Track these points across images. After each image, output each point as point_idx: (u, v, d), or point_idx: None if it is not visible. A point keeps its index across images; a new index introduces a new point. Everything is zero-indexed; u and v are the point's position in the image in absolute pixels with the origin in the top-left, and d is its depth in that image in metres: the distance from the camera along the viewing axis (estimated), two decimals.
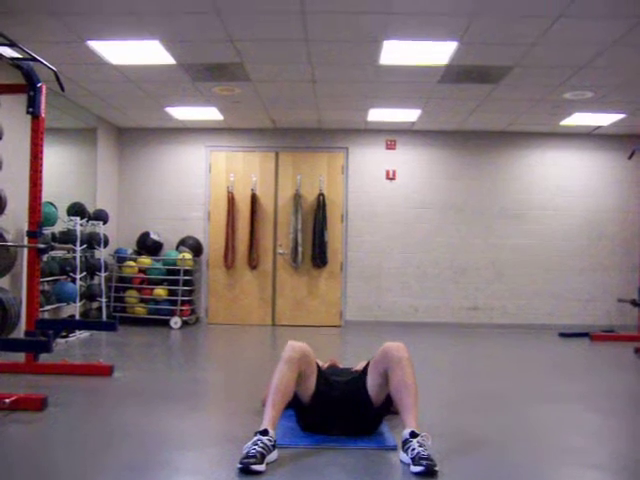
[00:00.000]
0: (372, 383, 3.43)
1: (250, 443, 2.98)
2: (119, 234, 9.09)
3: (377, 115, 8.22)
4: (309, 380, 3.41)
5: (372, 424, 3.54)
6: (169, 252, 8.86)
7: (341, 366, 4.38)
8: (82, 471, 2.94)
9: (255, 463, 2.88)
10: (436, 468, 2.89)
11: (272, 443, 3.01)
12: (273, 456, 3.01)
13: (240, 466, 2.88)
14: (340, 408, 3.44)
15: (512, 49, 5.59)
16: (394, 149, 9.16)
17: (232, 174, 9.16)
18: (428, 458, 2.91)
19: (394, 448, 3.26)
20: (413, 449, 2.97)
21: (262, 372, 5.55)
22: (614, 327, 8.52)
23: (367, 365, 3.61)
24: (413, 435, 3.04)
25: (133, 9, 4.82)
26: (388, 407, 3.51)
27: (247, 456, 2.91)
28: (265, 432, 3.03)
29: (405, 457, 3.02)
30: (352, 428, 3.46)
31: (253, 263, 9.10)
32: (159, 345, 7.30)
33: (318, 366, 3.57)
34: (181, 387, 4.89)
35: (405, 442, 3.05)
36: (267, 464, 2.94)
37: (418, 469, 2.89)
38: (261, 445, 2.95)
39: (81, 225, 7.31)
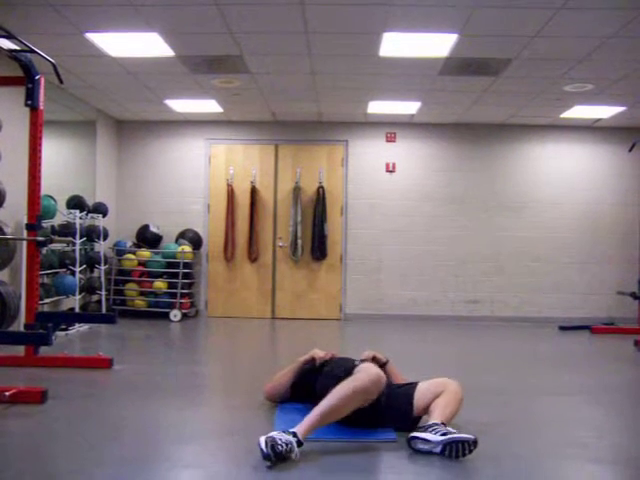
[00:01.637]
0: (420, 398, 3.44)
1: (284, 440, 2.88)
2: (118, 227, 9.08)
3: (377, 107, 8.20)
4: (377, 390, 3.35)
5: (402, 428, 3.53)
6: (169, 245, 8.85)
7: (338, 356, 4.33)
8: (82, 464, 2.94)
9: (273, 454, 2.82)
10: (470, 445, 3.00)
11: (293, 458, 2.90)
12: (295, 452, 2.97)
13: (264, 449, 2.82)
14: (383, 413, 3.46)
15: (512, 41, 5.57)
16: (394, 142, 9.14)
17: (232, 167, 9.14)
18: (459, 436, 3.01)
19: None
20: (447, 429, 3.06)
21: (262, 365, 5.57)
22: (614, 320, 8.52)
23: (384, 365, 3.78)
24: (443, 423, 3.13)
25: (132, 0, 4.79)
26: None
27: (275, 449, 2.83)
28: (300, 444, 2.94)
29: (425, 434, 3.07)
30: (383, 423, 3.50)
31: (253, 256, 9.09)
32: (159, 338, 7.30)
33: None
34: (180, 380, 4.89)
35: (433, 424, 3.11)
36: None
37: (460, 436, 3.00)
38: (288, 448, 2.86)
39: (80, 218, 7.29)
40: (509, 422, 3.83)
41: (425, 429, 3.10)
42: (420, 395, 3.46)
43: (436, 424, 3.11)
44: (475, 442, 3.00)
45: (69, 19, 5.15)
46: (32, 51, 4.82)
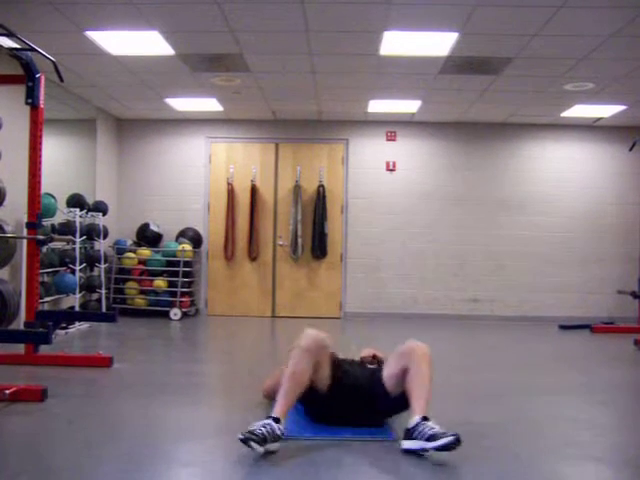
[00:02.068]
0: (389, 374, 3.44)
1: (260, 423, 3.01)
2: (119, 225, 9.07)
3: (377, 106, 8.19)
4: (324, 370, 3.41)
5: (387, 415, 3.55)
6: (169, 243, 8.85)
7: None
8: (81, 462, 2.94)
9: (256, 442, 2.91)
10: (459, 444, 2.93)
11: (280, 433, 3.01)
12: (274, 446, 3.00)
13: (241, 437, 2.92)
14: (357, 397, 3.45)
15: (513, 40, 5.57)
16: (394, 140, 9.13)
17: (232, 165, 9.14)
18: (443, 434, 2.94)
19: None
20: (431, 428, 2.99)
21: (262, 364, 5.56)
22: (614, 319, 8.52)
23: (377, 359, 3.71)
24: (425, 419, 3.06)
25: None
26: (403, 402, 3.47)
27: (252, 432, 2.93)
28: (277, 420, 3.04)
29: (413, 443, 3.02)
30: (366, 418, 3.47)
31: (253, 254, 9.09)
32: (159, 337, 7.30)
33: (334, 355, 3.60)
34: (180, 379, 4.89)
35: (416, 426, 3.05)
36: (267, 452, 2.96)
37: (437, 444, 2.92)
38: (269, 429, 2.97)
39: (80, 216, 7.30)
40: (509, 421, 3.83)
41: (411, 436, 3.06)
42: (387, 376, 3.45)
43: (419, 424, 3.05)
44: (459, 440, 2.93)
45: (69, 17, 5.14)
46: (32, 49, 4.81)
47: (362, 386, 3.48)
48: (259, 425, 2.99)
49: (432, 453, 2.98)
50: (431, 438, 2.95)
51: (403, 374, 3.34)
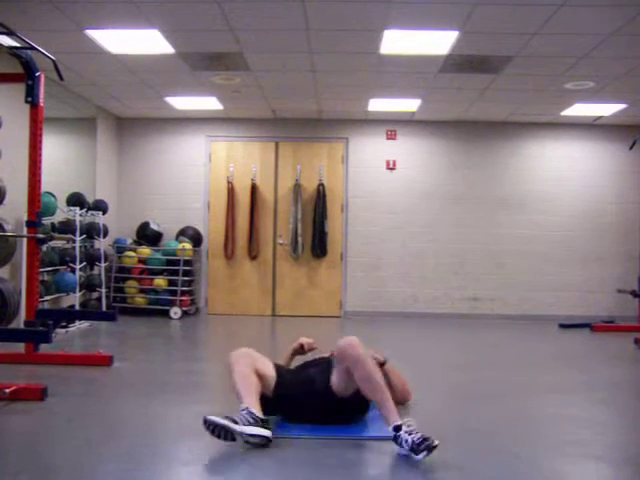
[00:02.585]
0: (337, 378, 3.38)
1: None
2: (119, 224, 9.07)
3: (377, 105, 8.19)
4: (266, 372, 3.46)
5: (348, 415, 3.50)
6: (169, 242, 8.84)
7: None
8: (81, 461, 2.94)
9: (213, 416, 3.03)
10: (435, 443, 2.86)
11: (252, 416, 3.05)
12: (260, 431, 3.03)
13: (203, 417, 3.05)
14: (301, 403, 3.44)
15: (513, 39, 5.56)
16: (394, 139, 9.13)
17: (232, 164, 9.14)
18: (423, 439, 2.87)
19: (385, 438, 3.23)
20: (406, 441, 2.93)
21: None
22: (614, 318, 8.52)
23: (382, 365, 3.70)
24: (397, 428, 2.99)
25: None
26: (360, 401, 3.43)
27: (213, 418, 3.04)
28: (246, 408, 3.10)
29: (403, 451, 2.99)
30: (322, 420, 3.43)
31: (253, 253, 9.09)
32: (159, 335, 7.30)
33: (278, 366, 3.68)
34: (180, 377, 4.89)
35: (395, 438, 3.00)
36: (257, 440, 3.03)
37: (421, 456, 2.87)
38: (240, 415, 3.05)
39: (80, 215, 7.29)
40: (509, 419, 3.83)
41: (397, 443, 3.01)
42: (335, 383, 3.40)
43: (396, 437, 2.99)
44: (434, 447, 2.87)
45: (69, 16, 5.14)
46: (32, 48, 4.81)
47: (304, 393, 3.45)
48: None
49: (437, 453, 2.97)
50: (413, 451, 2.89)
51: (350, 376, 3.27)
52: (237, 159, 9.16)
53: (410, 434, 2.94)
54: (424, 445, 2.86)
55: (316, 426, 3.40)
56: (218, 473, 2.88)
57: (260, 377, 3.39)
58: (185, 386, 4.58)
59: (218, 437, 3.02)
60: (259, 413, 3.10)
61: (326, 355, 3.88)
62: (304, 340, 4.05)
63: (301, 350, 4.05)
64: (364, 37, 5.62)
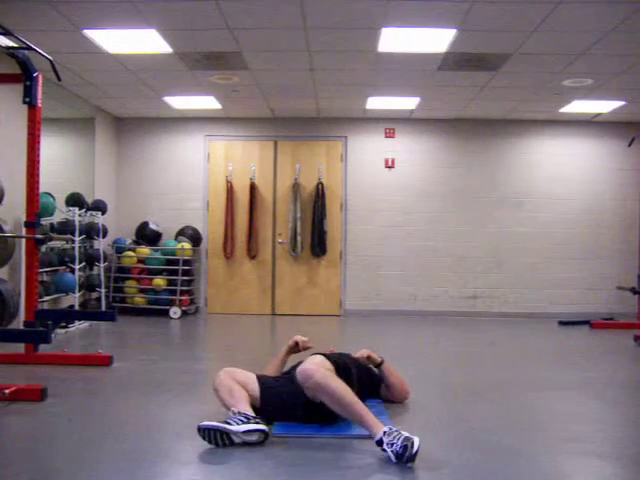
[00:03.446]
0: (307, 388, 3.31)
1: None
2: (118, 224, 9.07)
3: (376, 103, 8.18)
4: (250, 386, 3.44)
5: (330, 413, 3.41)
6: (168, 242, 8.84)
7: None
8: (81, 460, 2.94)
9: (212, 423, 3.06)
10: (415, 449, 2.79)
11: (244, 415, 3.09)
12: (256, 426, 3.05)
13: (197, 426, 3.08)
14: (287, 401, 3.42)
15: (511, 36, 5.56)
16: (393, 137, 9.12)
17: (231, 163, 9.13)
18: (404, 449, 2.81)
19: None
20: (390, 452, 2.87)
21: (261, 362, 5.55)
22: (614, 315, 8.52)
23: (380, 365, 3.87)
24: (379, 443, 2.93)
25: None
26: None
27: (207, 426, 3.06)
28: (236, 412, 3.14)
29: (393, 460, 2.91)
30: (305, 418, 3.41)
31: (252, 253, 9.09)
32: (158, 335, 7.30)
33: (295, 352, 3.89)
34: (180, 377, 4.88)
35: (384, 450, 2.93)
36: (254, 437, 3.06)
37: (409, 465, 2.84)
38: (233, 418, 3.09)
39: (79, 215, 7.29)
40: (509, 417, 3.83)
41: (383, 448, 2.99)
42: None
43: (383, 450, 2.94)
44: (415, 452, 2.82)
45: (67, 16, 5.13)
46: (29, 48, 4.80)
47: (285, 395, 3.43)
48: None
49: (433, 450, 2.98)
50: (398, 460, 2.85)
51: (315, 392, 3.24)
52: (236, 158, 9.16)
53: (392, 445, 2.86)
54: (406, 455, 2.80)
55: (312, 425, 3.39)
56: (218, 472, 2.88)
57: (245, 389, 3.40)
58: (185, 386, 4.58)
59: (216, 444, 3.04)
60: (251, 412, 3.14)
61: (356, 355, 3.89)
62: (299, 338, 4.04)
63: (296, 348, 4.05)
64: (362, 35, 5.61)
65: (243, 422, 3.06)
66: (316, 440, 3.24)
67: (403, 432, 2.90)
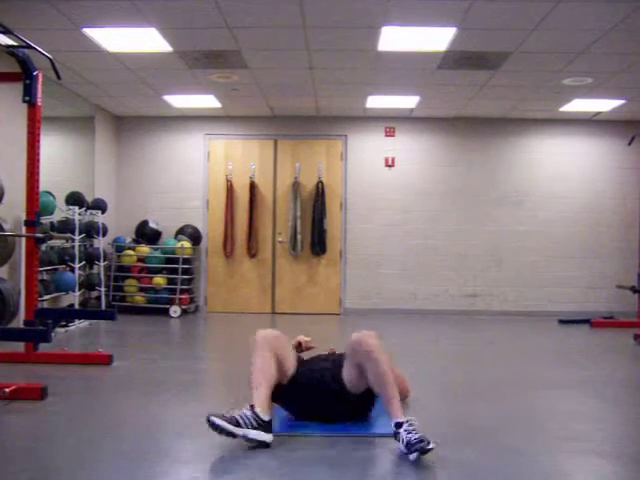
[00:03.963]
0: (348, 374, 3.39)
1: (235, 412, 3.05)
2: (118, 223, 9.06)
3: (376, 102, 8.18)
4: (287, 362, 3.45)
5: (356, 412, 3.51)
6: (168, 241, 8.84)
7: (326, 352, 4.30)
8: (81, 459, 2.94)
9: (218, 417, 2.99)
10: (430, 446, 2.85)
11: (255, 418, 3.02)
12: (256, 434, 3.01)
13: (206, 416, 3.00)
14: (314, 396, 3.43)
15: (511, 35, 5.55)
16: (393, 136, 9.12)
17: (230, 162, 9.13)
18: (418, 441, 2.87)
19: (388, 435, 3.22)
20: (403, 439, 2.95)
21: None
22: (614, 314, 8.52)
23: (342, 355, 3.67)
24: (398, 425, 3.01)
25: None
26: (368, 400, 3.46)
27: (221, 414, 3.00)
28: (252, 407, 3.07)
29: (401, 447, 2.99)
30: (331, 415, 3.44)
31: (252, 251, 9.09)
32: (158, 334, 7.30)
33: (299, 356, 3.66)
34: (180, 376, 4.89)
35: (395, 435, 3.03)
36: (252, 441, 3.01)
37: (413, 456, 2.89)
38: (242, 414, 3.02)
39: (79, 214, 7.29)
40: (509, 415, 3.83)
41: (395, 438, 3.03)
42: (346, 373, 3.40)
43: (395, 433, 3.02)
44: (428, 446, 2.87)
45: (66, 14, 5.12)
46: (29, 47, 4.80)
47: (322, 388, 3.43)
48: (232, 411, 3.03)
49: (438, 451, 2.98)
50: (407, 449, 2.91)
51: (360, 371, 3.28)
52: (236, 157, 9.15)
53: (409, 433, 2.94)
54: (418, 446, 2.86)
55: (320, 424, 3.40)
56: (218, 472, 2.88)
57: (280, 366, 3.37)
58: (185, 385, 4.58)
59: (220, 434, 3.02)
60: (264, 413, 3.06)
61: (328, 352, 3.88)
62: (302, 338, 4.00)
63: (299, 348, 4.00)
64: (362, 34, 5.60)
65: (252, 427, 3.00)
66: (320, 439, 3.24)
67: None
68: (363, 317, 8.67)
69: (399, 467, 2.94)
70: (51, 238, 6.28)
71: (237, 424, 2.99)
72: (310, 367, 3.57)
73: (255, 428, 3.01)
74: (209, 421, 3.00)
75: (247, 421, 3.01)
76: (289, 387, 3.44)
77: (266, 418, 3.06)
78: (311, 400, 3.44)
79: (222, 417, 3.00)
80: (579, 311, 8.70)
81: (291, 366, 3.48)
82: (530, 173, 9.09)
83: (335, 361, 3.55)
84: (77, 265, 7.17)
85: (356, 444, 3.19)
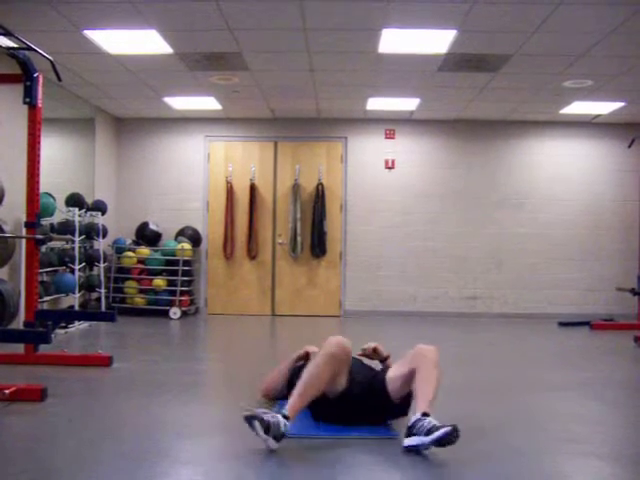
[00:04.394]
0: (395, 375, 3.40)
1: (267, 412, 2.98)
2: (118, 224, 9.07)
3: (376, 104, 8.19)
4: (341, 378, 3.38)
5: (386, 418, 3.53)
6: (168, 242, 8.84)
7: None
8: (81, 461, 2.94)
9: (259, 423, 2.91)
10: (453, 436, 2.89)
11: (284, 431, 2.97)
12: (273, 444, 2.96)
13: (247, 413, 2.93)
14: (360, 406, 3.42)
15: (511, 37, 5.56)
16: (393, 138, 9.13)
17: (231, 164, 9.13)
18: (442, 430, 2.90)
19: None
20: (429, 422, 2.96)
21: (261, 362, 5.56)
22: (614, 316, 8.52)
23: (386, 360, 3.74)
24: (425, 415, 3.02)
25: None
26: (403, 407, 3.46)
27: (257, 414, 2.92)
28: (286, 417, 3.00)
29: (413, 439, 2.99)
30: (367, 419, 3.46)
31: (252, 253, 9.09)
32: (158, 335, 7.29)
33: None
34: (180, 377, 4.88)
35: (415, 422, 3.01)
36: (267, 447, 2.97)
37: (442, 431, 2.89)
38: (274, 421, 2.94)
39: (79, 216, 7.29)
40: (509, 417, 3.83)
41: (411, 432, 3.03)
42: (392, 377, 3.42)
43: (418, 420, 3.03)
44: (457, 431, 2.91)
45: (67, 16, 5.13)
46: (30, 48, 4.80)
47: (366, 393, 3.43)
48: (266, 413, 2.96)
49: (434, 450, 2.98)
50: (429, 432, 2.93)
51: (410, 375, 3.31)
52: (236, 159, 9.16)
53: (431, 423, 2.96)
54: (443, 431, 2.88)
55: (332, 426, 3.39)
56: (219, 472, 2.88)
57: (333, 381, 3.30)
58: (185, 386, 4.58)
59: (249, 428, 2.98)
60: (285, 427, 2.98)
61: (369, 349, 3.89)
62: (311, 349, 3.87)
63: (306, 358, 3.86)
64: (362, 36, 5.61)
65: (275, 437, 2.93)
66: (316, 440, 3.24)
67: None
68: (363, 319, 8.67)
69: (399, 467, 2.94)
70: (51, 239, 6.29)
71: (267, 430, 2.92)
72: (357, 380, 3.48)
73: (277, 438, 2.96)
74: (247, 418, 2.95)
75: (275, 430, 2.94)
76: (335, 401, 3.37)
77: (285, 431, 2.99)
78: (354, 414, 3.42)
79: (261, 420, 2.92)
80: (579, 313, 8.71)
81: (344, 382, 3.39)
82: (530, 175, 9.10)
83: (378, 374, 3.55)
84: (77, 266, 7.16)
85: (356, 444, 3.19)
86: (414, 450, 3.02)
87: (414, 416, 3.08)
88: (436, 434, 2.91)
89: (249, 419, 2.94)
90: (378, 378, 3.51)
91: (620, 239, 9.00)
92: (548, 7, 4.84)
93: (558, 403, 4.24)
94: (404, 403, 3.44)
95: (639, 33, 5.30)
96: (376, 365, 3.83)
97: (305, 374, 3.22)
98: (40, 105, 5.01)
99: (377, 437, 3.32)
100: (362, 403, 3.42)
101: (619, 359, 6.07)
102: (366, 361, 3.83)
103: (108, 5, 4.95)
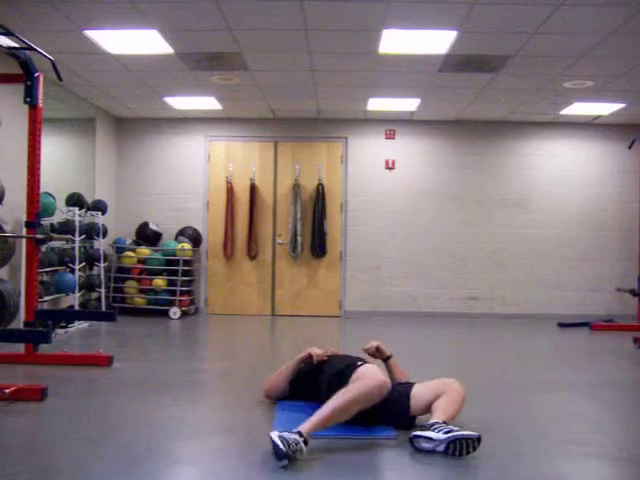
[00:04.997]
0: (421, 397, 3.42)
1: (293, 438, 2.87)
2: (118, 224, 9.07)
3: (376, 104, 8.19)
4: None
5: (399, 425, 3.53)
6: (168, 242, 8.84)
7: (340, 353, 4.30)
8: (81, 460, 2.94)
9: (283, 443, 2.83)
10: (470, 440, 3.00)
11: (294, 453, 2.86)
12: (282, 462, 2.86)
13: (282, 449, 2.80)
14: (382, 419, 3.45)
15: (512, 38, 5.56)
16: (393, 139, 9.13)
17: (231, 164, 9.14)
18: (458, 435, 2.99)
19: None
20: (449, 427, 3.05)
21: (261, 362, 5.57)
22: (613, 317, 8.52)
23: (388, 359, 3.92)
24: (445, 422, 3.11)
25: None
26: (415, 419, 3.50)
27: (289, 445, 2.83)
28: (305, 443, 2.91)
29: (427, 432, 3.05)
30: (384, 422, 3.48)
31: (252, 253, 9.09)
32: (158, 335, 7.30)
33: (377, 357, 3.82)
34: (181, 377, 4.89)
35: (434, 423, 3.09)
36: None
37: (464, 432, 3.00)
38: (294, 447, 2.85)
39: (80, 215, 7.29)
40: (510, 419, 3.83)
41: (427, 427, 3.09)
42: (417, 394, 3.45)
43: (438, 423, 3.10)
44: (479, 439, 3.00)
45: (68, 16, 5.14)
46: (31, 48, 4.80)
47: (392, 417, 3.45)
48: (293, 440, 2.85)
49: (434, 451, 2.99)
50: (448, 433, 3.00)
51: (431, 402, 3.35)
52: (236, 159, 9.16)
53: (453, 431, 3.03)
54: (464, 433, 2.98)
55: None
56: (219, 472, 2.88)
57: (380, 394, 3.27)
58: (185, 386, 4.58)
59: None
60: (299, 446, 2.88)
61: (371, 348, 3.98)
62: (314, 351, 3.84)
63: (308, 360, 3.86)
64: (363, 37, 5.62)
65: (288, 456, 2.84)
66: (317, 440, 3.24)
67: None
68: (363, 319, 8.67)
69: (402, 469, 2.94)
70: (51, 239, 6.28)
71: (287, 455, 2.82)
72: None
73: (285, 458, 2.85)
74: (274, 444, 2.85)
75: (293, 449, 2.83)
76: (369, 411, 3.32)
77: (298, 449, 2.90)
78: (372, 414, 3.38)
79: (288, 446, 2.82)
80: (578, 314, 8.71)
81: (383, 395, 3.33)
82: (530, 176, 9.10)
83: (403, 391, 3.54)
84: (77, 266, 7.17)
85: (357, 444, 3.19)
86: (420, 449, 3.05)
87: (432, 419, 3.14)
88: (456, 433, 2.98)
89: (284, 454, 2.81)
90: (405, 391, 3.51)
91: (620, 240, 9.00)
92: (548, 8, 4.84)
93: (558, 404, 4.24)
94: (415, 417, 3.48)
95: (639, 34, 5.30)
96: (379, 364, 3.84)
97: (339, 399, 3.12)
98: (41, 105, 5.01)
99: (377, 437, 3.32)
100: (383, 409, 3.39)
101: (619, 360, 6.07)
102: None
103: (109, 5, 4.96)
